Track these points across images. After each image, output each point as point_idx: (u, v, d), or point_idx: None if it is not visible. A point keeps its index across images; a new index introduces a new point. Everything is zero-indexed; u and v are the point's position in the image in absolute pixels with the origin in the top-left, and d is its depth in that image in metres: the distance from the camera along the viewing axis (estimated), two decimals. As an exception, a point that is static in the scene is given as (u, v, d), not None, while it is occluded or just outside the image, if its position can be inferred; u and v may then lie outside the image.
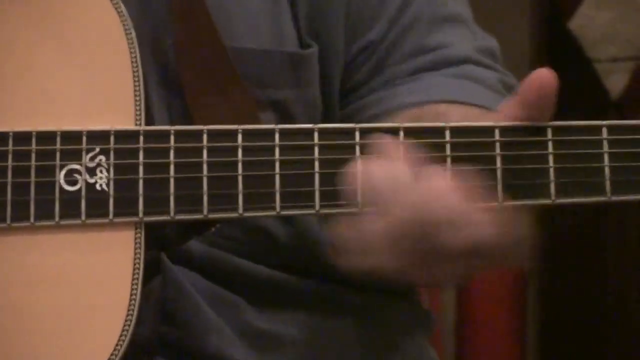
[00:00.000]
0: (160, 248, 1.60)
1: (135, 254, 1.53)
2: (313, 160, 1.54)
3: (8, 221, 1.52)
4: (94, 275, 1.52)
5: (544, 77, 1.51)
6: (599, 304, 3.10)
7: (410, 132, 1.53)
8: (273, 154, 1.55)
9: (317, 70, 1.79)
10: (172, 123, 1.62)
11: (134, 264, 1.52)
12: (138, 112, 1.56)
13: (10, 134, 1.54)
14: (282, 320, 1.77)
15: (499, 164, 1.52)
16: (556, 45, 2.82)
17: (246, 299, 1.75)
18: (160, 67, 1.71)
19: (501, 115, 1.55)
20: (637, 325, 3.04)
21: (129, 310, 1.51)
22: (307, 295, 1.79)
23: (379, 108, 1.75)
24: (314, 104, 1.79)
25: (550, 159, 1.53)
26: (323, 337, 1.79)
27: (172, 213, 1.53)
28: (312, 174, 1.54)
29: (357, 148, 1.54)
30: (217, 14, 1.71)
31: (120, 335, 1.50)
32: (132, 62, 1.57)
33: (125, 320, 1.51)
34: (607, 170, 1.53)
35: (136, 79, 1.56)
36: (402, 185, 1.48)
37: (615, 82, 2.83)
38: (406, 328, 1.85)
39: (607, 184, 1.53)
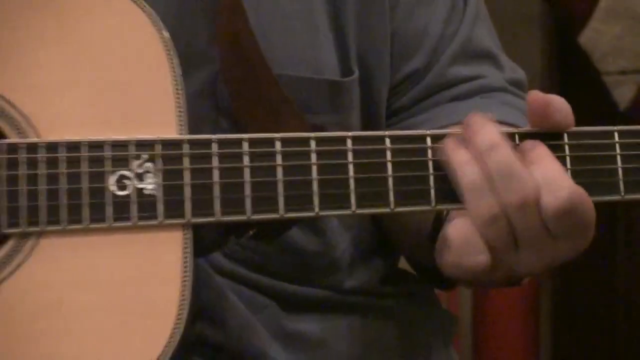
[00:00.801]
0: (199, 253, 1.61)
1: (184, 254, 1.56)
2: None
3: (64, 224, 1.55)
4: (144, 275, 1.56)
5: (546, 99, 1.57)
6: (607, 302, 3.12)
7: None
8: (309, 159, 1.59)
9: (357, 95, 1.82)
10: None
11: (183, 264, 1.56)
12: (181, 124, 1.60)
13: (64, 143, 1.57)
14: (311, 323, 1.82)
15: None
16: (566, 58, 2.83)
17: (277, 304, 1.80)
18: (205, 86, 1.74)
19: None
20: None
21: (179, 309, 1.55)
22: (333, 303, 1.84)
23: (426, 127, 1.72)
24: (352, 127, 1.80)
25: (568, 160, 1.59)
26: (350, 339, 1.84)
27: (217, 215, 1.56)
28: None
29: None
30: (259, 41, 1.73)
31: (171, 334, 1.54)
32: (173, 78, 1.61)
33: (177, 319, 1.55)
34: (620, 171, 1.59)
35: (177, 93, 1.60)
36: (518, 171, 1.52)
37: (623, 94, 2.84)
38: (429, 330, 1.90)
39: (621, 184, 1.58)
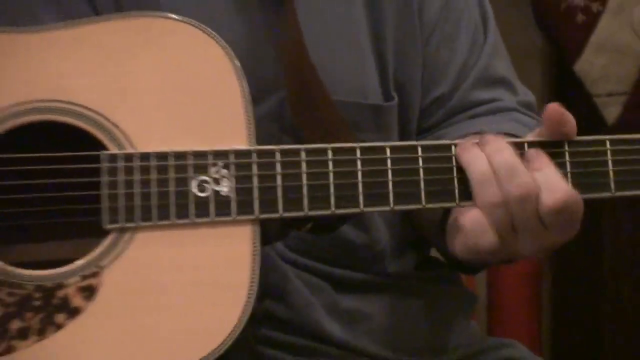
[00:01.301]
0: (265, 243, 1.59)
1: (253, 244, 1.55)
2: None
3: (155, 221, 1.54)
4: (221, 261, 1.55)
5: (557, 110, 1.56)
6: (598, 283, 3.10)
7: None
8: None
9: (395, 118, 1.80)
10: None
11: (253, 252, 1.54)
12: (250, 137, 1.57)
13: (154, 153, 1.56)
14: (358, 301, 1.79)
15: None
16: (564, 83, 2.81)
17: (331, 286, 1.78)
18: (273, 109, 1.72)
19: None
20: (628, 303, 3.06)
21: (249, 289, 1.53)
22: (377, 285, 1.81)
23: (449, 138, 1.71)
24: None
25: (568, 164, 1.57)
26: (390, 314, 1.81)
27: (280, 212, 1.56)
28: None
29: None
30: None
31: (243, 309, 1.53)
32: (243, 99, 1.58)
33: (248, 297, 1.53)
34: (610, 173, 1.57)
35: (247, 113, 1.58)
36: (519, 169, 1.51)
37: (611, 113, 2.84)
38: (456, 306, 1.88)
39: (612, 183, 1.57)
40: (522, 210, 1.52)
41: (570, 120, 1.56)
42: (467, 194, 1.57)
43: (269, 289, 1.68)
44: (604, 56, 2.84)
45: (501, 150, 1.53)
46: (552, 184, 1.52)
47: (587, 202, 1.57)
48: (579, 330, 3.12)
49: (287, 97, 1.69)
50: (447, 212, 1.65)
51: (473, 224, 1.53)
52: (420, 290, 1.84)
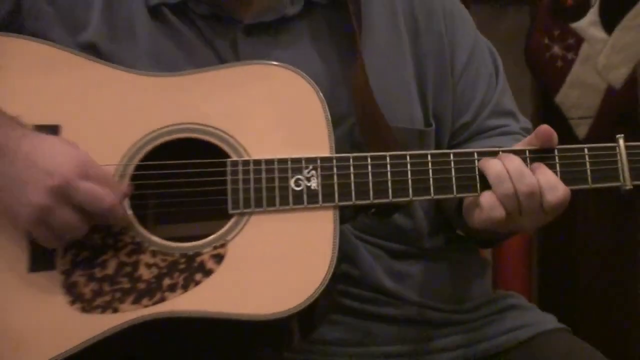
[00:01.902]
0: (342, 222, 1.57)
1: (334, 223, 1.55)
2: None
3: (265, 207, 1.55)
4: (311, 235, 1.56)
5: (547, 131, 1.59)
6: (574, 242, 3.05)
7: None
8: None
9: (433, 140, 1.78)
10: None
11: (334, 229, 1.55)
12: (331, 149, 1.59)
13: (263, 159, 1.57)
14: (406, 266, 1.77)
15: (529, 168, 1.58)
16: (547, 110, 2.78)
17: (387, 255, 1.76)
18: (346, 131, 1.69)
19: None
20: (596, 256, 3.03)
21: (332, 255, 1.54)
22: (418, 254, 1.80)
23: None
24: None
25: (557, 166, 1.59)
26: (428, 274, 1.79)
27: (353, 200, 1.57)
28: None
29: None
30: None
31: (327, 270, 1.53)
32: (326, 121, 1.60)
33: (330, 261, 1.53)
34: (588, 171, 1.59)
35: (329, 131, 1.59)
36: (527, 172, 1.55)
37: (581, 131, 2.75)
38: (473, 269, 1.86)
39: (589, 178, 1.59)
40: (529, 202, 1.55)
41: (555, 136, 1.59)
42: (483, 188, 1.59)
43: (344, 256, 1.66)
44: (577, 91, 2.84)
45: (512, 159, 1.56)
46: (554, 185, 1.56)
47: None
48: (559, 280, 3.06)
49: (356, 122, 1.67)
50: (461, 199, 1.66)
51: (488, 202, 1.56)
52: (448, 258, 1.82)
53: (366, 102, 1.66)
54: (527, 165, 1.57)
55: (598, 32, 2.85)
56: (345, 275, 1.69)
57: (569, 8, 2.83)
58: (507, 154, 1.57)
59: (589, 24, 2.85)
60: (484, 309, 1.80)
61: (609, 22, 2.85)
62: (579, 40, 2.85)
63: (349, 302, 1.71)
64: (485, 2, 2.84)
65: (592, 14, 2.84)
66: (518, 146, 1.61)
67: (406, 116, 1.74)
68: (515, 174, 1.55)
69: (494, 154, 1.58)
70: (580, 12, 2.84)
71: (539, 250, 3.05)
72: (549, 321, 1.80)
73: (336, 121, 1.59)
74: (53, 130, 1.58)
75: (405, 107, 1.75)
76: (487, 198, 1.55)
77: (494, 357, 1.74)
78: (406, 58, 1.76)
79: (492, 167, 1.56)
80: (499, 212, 1.55)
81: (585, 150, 1.58)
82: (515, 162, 1.56)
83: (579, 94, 2.85)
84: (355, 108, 1.67)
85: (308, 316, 1.56)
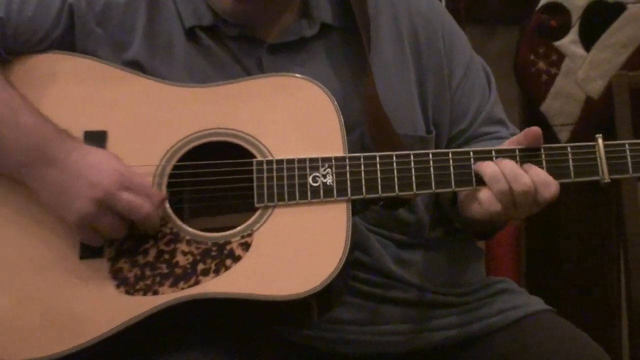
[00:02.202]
0: (354, 214, 1.57)
1: (347, 215, 1.55)
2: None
3: (286, 201, 1.55)
4: (327, 226, 1.55)
5: (535, 132, 1.59)
6: (556, 234, 3.07)
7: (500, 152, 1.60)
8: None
9: (433, 144, 1.76)
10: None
11: (347, 220, 1.54)
12: (345, 150, 1.58)
13: (285, 159, 1.57)
14: (410, 254, 1.76)
15: (519, 164, 1.58)
16: (533, 118, 2.76)
17: (394, 244, 1.75)
18: (358, 137, 1.68)
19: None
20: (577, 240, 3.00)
21: (345, 243, 1.53)
22: (420, 244, 1.78)
23: None
24: None
25: (544, 163, 1.58)
26: (430, 261, 1.77)
27: (363, 194, 1.57)
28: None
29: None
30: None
31: (342, 255, 1.52)
32: (340, 127, 1.59)
33: (344, 248, 1.53)
34: (571, 167, 1.58)
35: (343, 136, 1.59)
36: (520, 173, 1.55)
37: (563, 137, 2.74)
38: (469, 257, 1.85)
39: (572, 173, 1.58)
40: (524, 199, 1.55)
41: (541, 137, 1.59)
42: (478, 182, 1.58)
43: (356, 245, 1.65)
44: (559, 101, 2.84)
45: (506, 162, 1.57)
46: (547, 182, 1.56)
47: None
48: (544, 266, 3.03)
49: (367, 129, 1.67)
50: (455, 193, 1.67)
51: (486, 198, 1.56)
52: (447, 248, 1.81)
53: (375, 111, 1.66)
54: (517, 162, 1.57)
55: (578, 50, 2.85)
56: (357, 261, 1.68)
57: (552, 28, 2.84)
58: (500, 159, 1.57)
59: (569, 43, 2.85)
60: (478, 292, 1.79)
61: (588, 41, 2.85)
62: (561, 56, 2.85)
63: (359, 286, 1.70)
64: (478, 23, 2.85)
65: (573, 34, 2.85)
66: (507, 145, 1.61)
67: (410, 124, 1.73)
68: (510, 175, 1.55)
69: (488, 154, 1.58)
70: (562, 32, 2.84)
71: (526, 240, 3.03)
72: (537, 303, 1.78)
73: (349, 129, 1.60)
74: (101, 135, 1.59)
75: (409, 116, 1.74)
76: (485, 194, 1.55)
77: (488, 335, 1.73)
78: (410, 73, 1.75)
79: (487, 168, 1.56)
80: (496, 207, 1.55)
81: (568, 148, 1.58)
82: (508, 164, 1.56)
83: (561, 104, 2.84)
84: (365, 117, 1.67)
85: (325, 297, 1.55)
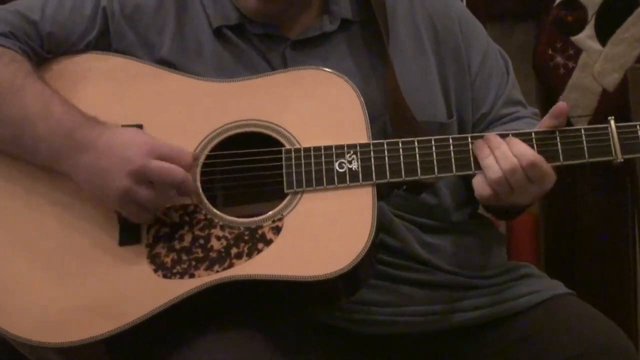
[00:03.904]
0: (379, 198, 1.58)
1: (373, 198, 1.57)
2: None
3: (314, 187, 1.57)
4: (353, 209, 1.57)
5: (561, 107, 1.61)
6: (573, 221, 3.06)
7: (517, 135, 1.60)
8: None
9: (455, 129, 1.78)
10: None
11: (373, 202, 1.56)
12: (369, 137, 1.60)
13: (311, 147, 1.59)
14: (434, 238, 1.76)
15: (535, 148, 1.59)
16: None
17: (418, 228, 1.76)
18: (381, 126, 1.68)
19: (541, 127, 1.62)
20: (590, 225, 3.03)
21: (372, 225, 1.54)
22: (444, 228, 1.79)
23: None
24: None
25: (559, 145, 1.60)
26: (453, 245, 1.78)
27: (387, 178, 1.59)
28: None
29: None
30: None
31: (368, 238, 1.54)
32: (365, 117, 1.61)
33: (370, 229, 1.54)
34: (585, 147, 1.59)
35: (367, 125, 1.61)
36: (507, 154, 1.56)
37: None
38: (491, 241, 1.85)
39: (586, 152, 1.58)
40: (512, 176, 1.56)
41: (566, 117, 1.61)
42: (477, 167, 1.60)
43: (382, 228, 1.66)
44: (576, 93, 2.87)
45: (499, 145, 1.58)
46: (524, 152, 1.56)
47: (568, 166, 1.60)
48: (562, 252, 3.06)
49: (388, 119, 1.69)
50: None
51: (477, 184, 1.59)
52: (471, 232, 1.82)
53: (397, 102, 1.68)
54: (533, 147, 1.58)
55: (594, 44, 2.89)
56: (383, 245, 1.70)
57: (569, 24, 2.88)
58: (492, 135, 1.58)
59: (586, 37, 2.89)
60: (502, 276, 1.79)
61: (603, 35, 2.88)
62: (578, 50, 2.89)
63: (385, 269, 1.71)
64: (497, 20, 2.88)
65: (589, 29, 2.88)
66: (537, 127, 1.62)
67: (430, 111, 1.75)
68: (499, 154, 1.57)
69: (505, 137, 1.59)
70: (578, 27, 2.88)
71: (545, 230, 3.05)
72: (559, 287, 1.79)
73: (371, 119, 1.62)
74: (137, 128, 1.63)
75: (429, 104, 1.75)
76: (477, 180, 1.58)
77: (513, 316, 1.74)
78: (430, 61, 1.77)
79: (482, 149, 1.59)
80: (486, 192, 1.58)
81: (582, 131, 1.60)
82: (501, 147, 1.57)
83: (578, 96, 2.87)
84: (387, 108, 1.69)
85: (353, 278, 1.57)
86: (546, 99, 2.89)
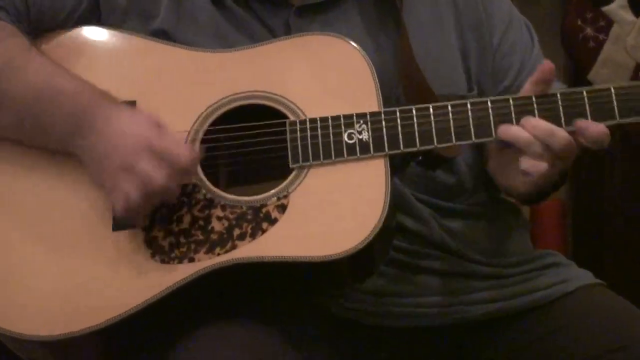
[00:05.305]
0: (392, 170, 1.55)
1: (386, 171, 1.54)
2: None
3: (321, 160, 1.55)
4: (365, 183, 1.54)
5: (546, 66, 1.55)
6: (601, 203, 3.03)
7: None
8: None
9: None
10: None
11: (385, 174, 1.53)
12: (380, 106, 1.57)
13: (318, 118, 1.56)
14: (452, 221, 1.73)
15: (536, 113, 1.56)
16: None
17: (434, 210, 1.72)
18: (392, 94, 1.66)
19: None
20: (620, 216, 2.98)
21: (385, 200, 1.51)
22: (463, 210, 1.76)
23: None
24: None
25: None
26: (474, 229, 1.76)
27: (401, 148, 1.55)
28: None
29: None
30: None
31: (382, 211, 1.50)
32: (375, 85, 1.58)
33: (384, 204, 1.51)
34: (616, 108, 1.55)
35: (378, 92, 1.58)
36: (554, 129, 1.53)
37: None
38: (514, 227, 1.82)
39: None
40: (551, 138, 1.52)
41: (554, 71, 1.57)
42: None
43: (399, 207, 1.64)
44: (607, 68, 2.80)
45: (538, 123, 1.54)
46: (548, 130, 1.53)
47: (596, 154, 1.60)
48: (590, 239, 3.02)
49: (402, 91, 1.66)
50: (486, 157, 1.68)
51: (532, 166, 1.54)
52: (492, 215, 1.79)
53: (411, 70, 1.65)
54: (534, 112, 1.55)
55: (627, 15, 2.81)
56: (400, 226, 1.67)
57: (600, -8, 2.85)
58: (527, 119, 1.55)
59: (618, 7, 2.81)
60: (526, 265, 1.76)
61: (637, 5, 2.81)
62: (609, 22, 2.81)
63: (395, 255, 1.68)
64: (523, -11, 2.83)
65: (622, -1, 2.85)
66: (525, 93, 1.58)
67: (449, 83, 1.72)
68: (544, 135, 1.53)
69: (528, 99, 1.55)
70: (610, -4, 2.85)
71: (572, 219, 3.01)
72: (588, 277, 1.75)
73: (384, 92, 1.58)
74: (130, 105, 1.59)
75: (448, 75, 1.73)
76: (527, 161, 1.53)
77: (539, 308, 1.70)
78: (448, 31, 1.75)
79: (518, 134, 1.55)
80: (542, 167, 1.54)
81: (612, 89, 1.55)
82: (540, 123, 1.54)
83: (610, 72, 2.80)
84: (400, 77, 1.65)
85: (366, 258, 1.53)
86: (575, 75, 2.85)
